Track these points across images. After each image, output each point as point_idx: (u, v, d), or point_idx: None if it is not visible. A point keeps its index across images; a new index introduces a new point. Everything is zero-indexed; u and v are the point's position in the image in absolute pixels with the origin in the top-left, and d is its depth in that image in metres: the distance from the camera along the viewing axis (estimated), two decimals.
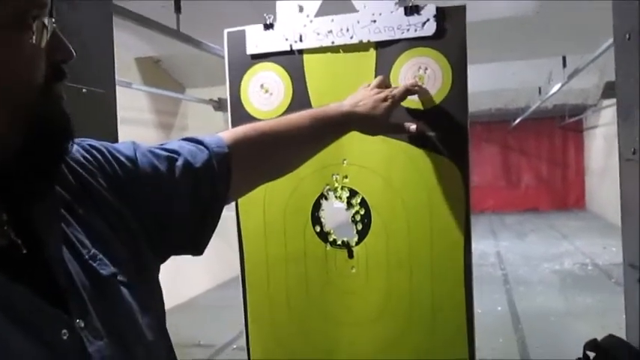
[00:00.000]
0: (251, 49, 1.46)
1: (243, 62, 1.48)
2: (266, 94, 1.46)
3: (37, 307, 0.53)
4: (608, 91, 7.46)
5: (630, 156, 1.05)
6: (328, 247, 1.44)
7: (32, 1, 0.53)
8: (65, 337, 0.54)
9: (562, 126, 13.22)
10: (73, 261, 0.61)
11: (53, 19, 0.55)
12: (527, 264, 7.49)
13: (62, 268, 0.58)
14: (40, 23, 0.53)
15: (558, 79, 6.54)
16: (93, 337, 0.57)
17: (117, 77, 1.59)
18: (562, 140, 14.07)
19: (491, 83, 8.10)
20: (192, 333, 5.01)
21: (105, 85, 1.68)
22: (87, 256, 0.63)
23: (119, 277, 0.65)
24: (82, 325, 0.57)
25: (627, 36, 1.05)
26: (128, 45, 4.63)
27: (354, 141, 1.36)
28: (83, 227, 0.65)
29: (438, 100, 1.33)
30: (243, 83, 1.48)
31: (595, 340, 1.10)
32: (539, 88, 8.86)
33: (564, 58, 6.10)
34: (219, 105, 6.17)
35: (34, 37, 0.53)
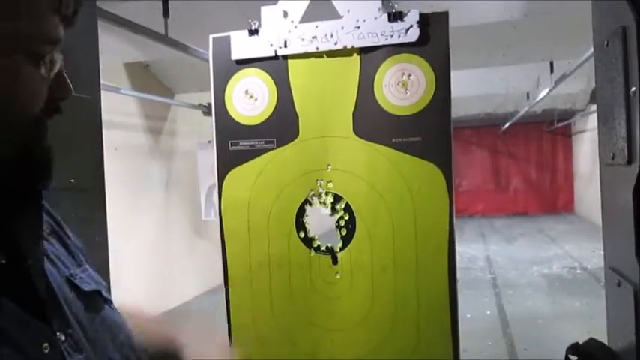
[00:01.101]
0: (236, 54, 1.46)
1: (228, 68, 1.48)
2: (250, 100, 1.46)
3: (20, 320, 0.52)
4: (595, 96, 7.53)
5: (610, 161, 1.06)
6: (312, 252, 1.44)
7: (48, 36, 0.53)
8: (46, 351, 0.53)
9: (551, 130, 13.31)
10: (55, 275, 0.60)
11: (62, 56, 0.56)
12: (516, 267, 7.53)
13: (43, 279, 0.57)
14: (51, 57, 0.54)
15: (546, 84, 6.59)
16: (73, 350, 0.57)
17: (106, 82, 1.58)
18: (551, 144, 14.16)
19: (479, 88, 8.15)
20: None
21: (90, 90, 1.68)
22: (68, 274, 0.63)
23: (102, 294, 0.66)
24: (63, 338, 0.56)
25: (606, 42, 1.06)
26: (117, 49, 4.61)
27: (338, 146, 1.36)
28: (65, 250, 0.65)
29: (421, 105, 1.34)
30: (227, 89, 1.48)
31: (577, 343, 1.10)
32: (528, 93, 8.93)
33: (552, 64, 6.15)
34: (208, 110, 6.16)
35: (43, 70, 0.53)
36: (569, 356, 1.12)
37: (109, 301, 0.67)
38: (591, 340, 1.08)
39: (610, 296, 1.13)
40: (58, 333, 0.55)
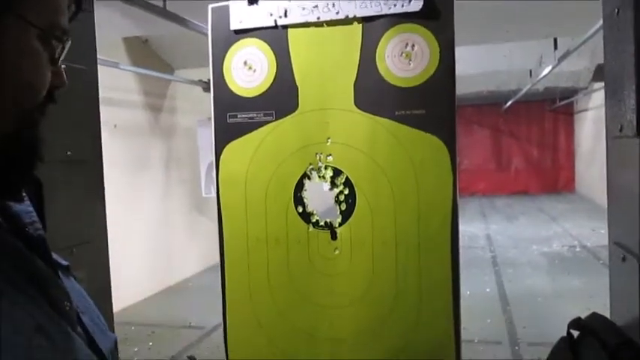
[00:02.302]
0: (235, 24, 1.42)
1: (227, 38, 1.44)
2: (249, 71, 1.43)
3: (52, 280, 0.56)
4: (599, 73, 7.46)
5: (617, 133, 1.03)
6: (311, 228, 1.42)
7: (62, 25, 0.56)
8: (67, 309, 0.56)
9: (553, 109, 13.24)
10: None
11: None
12: (517, 246, 7.55)
13: (47, 249, 0.59)
14: (62, 47, 0.56)
15: (549, 61, 6.51)
16: (80, 311, 0.60)
17: (104, 57, 1.55)
18: (553, 123, 14.09)
19: (482, 65, 8.06)
20: (183, 314, 5.01)
21: (86, 61, 1.65)
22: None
23: (70, 270, 0.68)
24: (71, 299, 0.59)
25: (616, 11, 1.03)
26: (115, 24, 4.54)
27: (338, 119, 1.33)
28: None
29: (425, 77, 1.31)
30: (226, 60, 1.45)
31: (579, 318, 1.09)
32: (530, 71, 8.84)
33: (555, 40, 6.07)
34: (208, 86, 6.09)
35: (56, 54, 0.56)
36: (571, 331, 1.11)
37: (77, 279, 0.69)
38: (594, 315, 1.07)
39: (614, 271, 1.11)
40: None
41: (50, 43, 0.54)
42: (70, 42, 0.57)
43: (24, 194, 0.61)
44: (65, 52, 0.57)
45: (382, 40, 1.32)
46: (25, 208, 0.60)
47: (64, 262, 0.66)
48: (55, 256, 0.65)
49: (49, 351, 0.47)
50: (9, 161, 0.54)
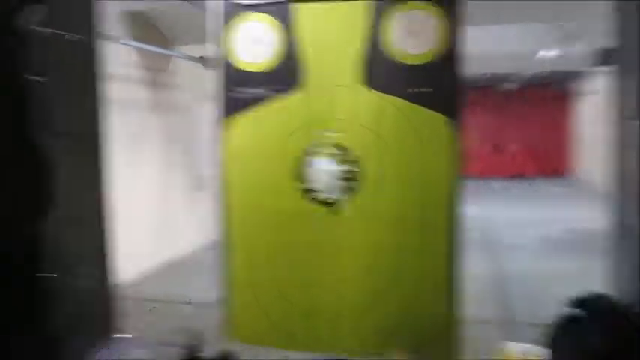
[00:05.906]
0: None
1: (234, 13, 1.43)
2: (256, 46, 1.42)
3: None
4: (602, 57, 7.41)
5: (624, 114, 1.04)
6: (314, 204, 1.43)
7: None
8: None
9: (554, 92, 13.19)
10: None
11: None
12: (514, 229, 7.57)
13: None
14: None
15: (553, 44, 6.46)
16: None
17: (105, 31, 1.55)
18: (553, 107, 14.05)
19: (482, 47, 8.00)
20: (181, 291, 5.04)
21: (84, 32, 1.63)
22: None
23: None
24: None
25: None
26: None
27: (344, 96, 1.33)
28: None
29: (434, 55, 1.30)
30: (232, 35, 1.44)
31: (578, 296, 1.10)
32: (533, 54, 8.77)
33: (560, 24, 6.02)
34: (209, 63, 6.05)
35: None
36: (570, 309, 1.12)
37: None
38: (594, 293, 1.08)
39: (614, 250, 1.12)
40: None
41: None
42: None
43: None
44: None
45: (391, 16, 1.31)
46: None
47: None
48: None
49: None
50: None
